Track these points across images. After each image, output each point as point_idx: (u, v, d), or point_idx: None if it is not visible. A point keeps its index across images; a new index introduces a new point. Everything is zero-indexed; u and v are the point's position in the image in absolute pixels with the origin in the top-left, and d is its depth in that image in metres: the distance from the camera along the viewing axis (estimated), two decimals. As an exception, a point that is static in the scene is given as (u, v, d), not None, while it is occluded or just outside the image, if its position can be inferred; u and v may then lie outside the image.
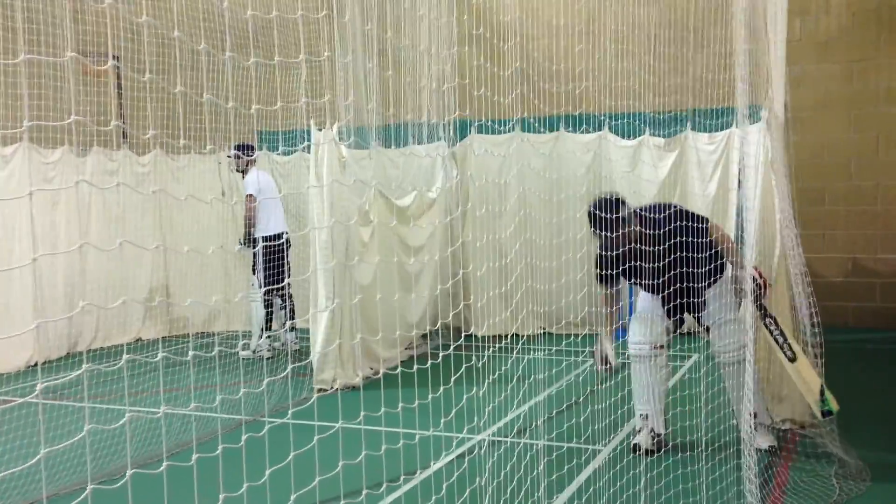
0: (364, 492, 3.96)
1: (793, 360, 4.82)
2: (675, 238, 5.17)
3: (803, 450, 5.33)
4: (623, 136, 9.91)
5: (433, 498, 4.22)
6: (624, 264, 5.24)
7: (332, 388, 7.41)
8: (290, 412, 3.61)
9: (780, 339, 4.83)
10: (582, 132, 10.05)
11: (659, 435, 5.45)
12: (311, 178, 7.62)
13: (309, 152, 8.04)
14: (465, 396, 4.40)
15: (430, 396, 4.16)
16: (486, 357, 4.54)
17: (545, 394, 6.87)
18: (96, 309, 9.63)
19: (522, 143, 9.87)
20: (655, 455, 5.29)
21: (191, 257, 10.29)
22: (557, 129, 10.09)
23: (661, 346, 5.39)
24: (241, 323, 10.01)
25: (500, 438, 5.65)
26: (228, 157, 9.25)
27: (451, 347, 4.15)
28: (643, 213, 5.42)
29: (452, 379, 4.17)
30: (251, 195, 8.78)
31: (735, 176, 8.74)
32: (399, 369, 4.17)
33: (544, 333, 9.63)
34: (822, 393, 4.72)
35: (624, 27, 9.81)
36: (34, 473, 4.93)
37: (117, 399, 7.15)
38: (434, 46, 8.78)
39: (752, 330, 4.78)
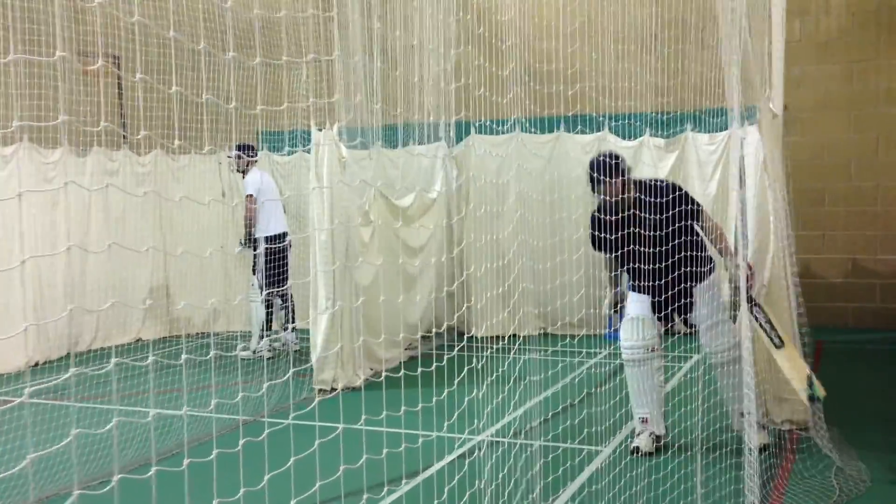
0: (364, 493, 3.96)
1: (780, 346, 4.82)
2: (671, 211, 5.22)
3: (803, 450, 5.33)
4: (623, 137, 9.91)
5: (434, 500, 4.22)
6: (621, 231, 5.27)
7: (332, 388, 7.41)
8: (291, 414, 3.61)
9: (768, 327, 4.85)
10: (577, 132, 10.05)
11: (659, 436, 5.46)
12: (312, 178, 7.62)
13: (309, 153, 8.04)
14: (465, 398, 4.40)
15: (434, 399, 4.16)
16: (485, 358, 4.54)
17: (543, 395, 6.87)
18: (96, 309, 9.62)
19: (522, 144, 9.88)
20: (654, 456, 5.30)
21: (191, 257, 10.29)
22: (557, 130, 10.09)
23: (654, 349, 5.41)
24: (242, 323, 10.00)
25: (499, 439, 5.65)
26: (229, 157, 9.25)
27: (451, 348, 4.15)
28: (643, 183, 5.49)
29: (456, 381, 4.17)
30: (251, 195, 8.78)
31: (735, 176, 8.75)
32: (402, 371, 4.17)
33: (543, 334, 9.63)
34: (809, 379, 4.72)
35: (624, 27, 9.82)
36: (33, 473, 4.94)
37: (117, 400, 7.14)
38: (434, 46, 8.78)
39: (748, 327, 4.80)
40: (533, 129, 10.01)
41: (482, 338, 5.06)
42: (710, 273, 5.42)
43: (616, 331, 5.90)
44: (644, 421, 5.45)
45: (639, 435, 5.49)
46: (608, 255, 5.62)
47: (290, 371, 3.95)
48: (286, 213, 9.30)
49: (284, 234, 8.94)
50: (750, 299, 5.13)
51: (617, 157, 5.39)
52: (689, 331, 5.70)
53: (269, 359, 8.75)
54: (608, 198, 5.37)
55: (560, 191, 9.26)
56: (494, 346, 5.37)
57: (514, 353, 6.93)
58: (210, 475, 2.78)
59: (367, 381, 7.56)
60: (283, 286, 8.95)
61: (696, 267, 5.27)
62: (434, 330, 8.63)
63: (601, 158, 5.39)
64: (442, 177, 9.53)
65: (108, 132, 9.87)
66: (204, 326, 10.71)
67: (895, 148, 10.09)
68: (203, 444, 5.65)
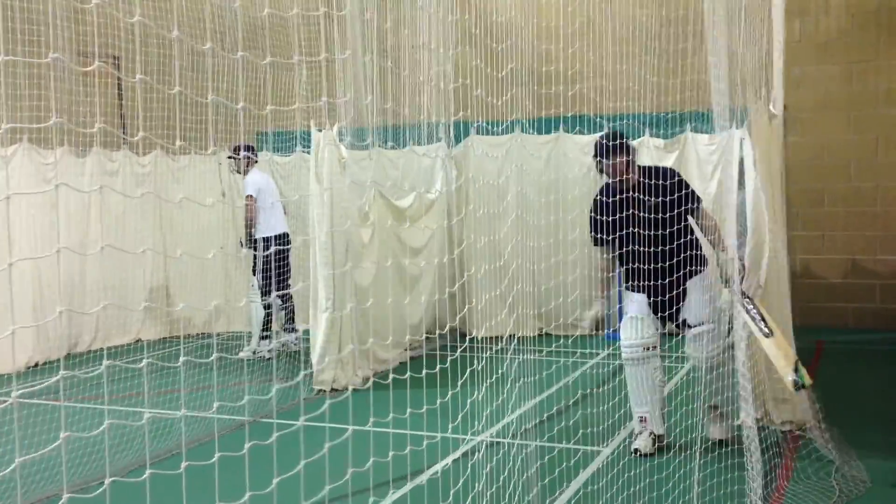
0: (363, 494, 3.96)
1: (768, 336, 4.85)
2: (673, 195, 5.29)
3: (803, 451, 5.33)
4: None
5: (433, 501, 4.22)
6: (622, 212, 5.35)
7: (332, 389, 7.41)
8: (302, 417, 3.61)
9: (757, 318, 4.88)
10: (576, 132, 10.05)
11: (659, 436, 5.48)
12: (311, 178, 7.62)
13: (309, 153, 8.04)
14: (465, 399, 4.40)
15: (434, 400, 4.16)
16: (484, 359, 4.54)
17: (542, 396, 6.87)
18: (93, 311, 9.62)
19: (521, 145, 9.88)
20: (655, 456, 5.31)
21: (191, 257, 10.29)
22: (557, 131, 10.09)
23: (654, 347, 5.44)
24: (242, 324, 10.00)
25: (498, 440, 5.65)
26: (229, 157, 9.25)
27: (452, 349, 4.15)
28: (646, 168, 5.58)
29: (456, 382, 4.17)
30: (251, 196, 8.78)
31: (733, 177, 8.75)
32: (407, 372, 4.17)
33: (542, 335, 9.64)
34: (795, 366, 4.74)
35: (625, 28, 9.82)
36: (28, 476, 4.94)
37: (116, 401, 7.14)
38: (434, 46, 8.78)
39: (742, 327, 4.85)
40: (533, 131, 10.01)
41: (482, 338, 5.05)
42: (702, 268, 5.44)
43: (615, 331, 5.94)
44: (643, 420, 5.47)
45: (639, 435, 5.51)
46: (605, 254, 5.65)
47: (287, 372, 3.95)
48: (286, 214, 9.30)
49: (285, 235, 8.94)
50: (742, 293, 5.17)
51: (622, 137, 5.47)
52: (676, 331, 5.70)
53: (268, 359, 8.75)
54: (611, 177, 5.43)
55: (559, 191, 9.27)
56: (494, 348, 5.37)
57: (511, 354, 6.92)
58: (205, 476, 2.78)
59: (367, 382, 7.55)
60: (284, 287, 8.96)
61: (691, 265, 5.31)
62: (429, 332, 8.63)
63: (607, 139, 5.45)
64: (442, 177, 9.53)
65: (107, 133, 9.87)
66: (204, 327, 10.71)
67: (895, 149, 10.09)
68: (203, 444, 5.65)
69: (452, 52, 8.96)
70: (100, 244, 9.65)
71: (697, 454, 4.62)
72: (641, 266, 5.34)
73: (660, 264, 5.31)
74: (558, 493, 4.72)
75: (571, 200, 8.95)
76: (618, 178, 5.40)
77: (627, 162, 5.41)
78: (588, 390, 7.15)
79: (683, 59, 9.29)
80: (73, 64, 8.90)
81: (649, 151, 9.76)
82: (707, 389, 5.35)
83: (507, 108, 6.71)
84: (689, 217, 5.42)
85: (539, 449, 5.13)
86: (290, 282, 9.12)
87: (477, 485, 4.29)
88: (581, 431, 5.51)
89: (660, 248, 5.30)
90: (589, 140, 9.99)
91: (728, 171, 6.24)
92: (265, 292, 8.84)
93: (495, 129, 9.99)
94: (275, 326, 9.18)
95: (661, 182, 5.33)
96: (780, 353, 4.78)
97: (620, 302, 5.83)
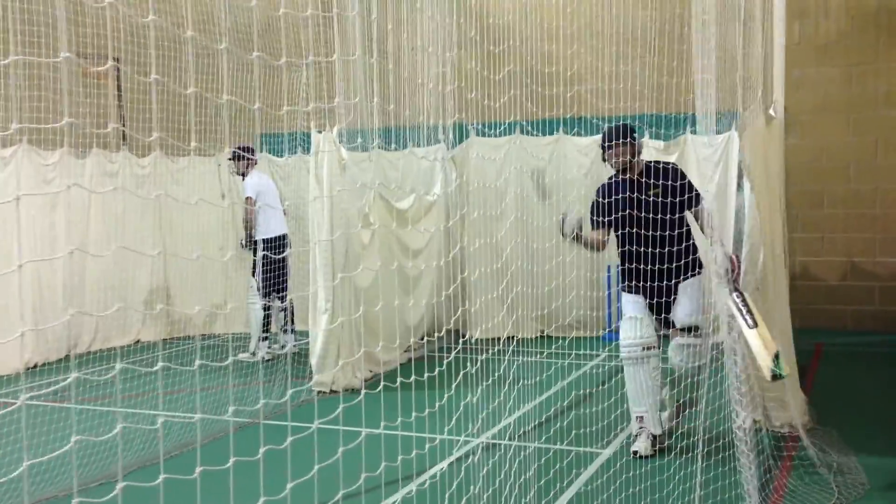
0: (362, 495, 3.96)
1: (752, 327, 4.90)
2: (677, 182, 5.41)
3: (802, 453, 5.33)
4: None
5: (432, 502, 4.23)
6: (622, 210, 5.47)
7: (330, 390, 7.41)
8: (316, 421, 3.61)
9: (744, 310, 4.92)
10: (574, 133, 10.06)
11: (657, 436, 5.50)
12: (311, 180, 7.62)
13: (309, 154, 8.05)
14: (464, 401, 4.40)
15: (436, 403, 4.16)
16: (483, 361, 4.54)
17: (542, 397, 6.87)
18: (95, 311, 9.62)
19: (521, 146, 9.89)
20: (657, 458, 5.33)
21: (190, 258, 10.30)
22: (557, 132, 10.10)
23: (652, 346, 5.48)
24: (242, 325, 10.00)
25: (497, 441, 5.65)
26: (229, 159, 9.26)
27: (451, 351, 4.15)
28: (650, 163, 5.70)
29: (454, 384, 4.17)
30: (250, 198, 8.78)
31: (734, 179, 8.76)
32: (411, 372, 4.17)
33: (542, 336, 9.64)
34: (776, 357, 4.78)
35: (625, 30, 9.82)
36: (24, 478, 4.93)
37: (114, 402, 7.13)
38: (434, 49, 8.79)
39: (731, 335, 4.92)
40: (533, 132, 10.01)
41: (481, 340, 5.06)
42: (697, 271, 5.49)
43: (611, 331, 5.99)
44: (640, 419, 5.49)
45: (637, 437, 5.53)
46: (602, 236, 5.70)
47: (289, 373, 3.95)
48: (286, 215, 9.30)
49: (284, 236, 8.94)
50: (734, 287, 5.22)
51: (627, 123, 5.67)
52: (663, 332, 5.74)
53: (267, 361, 8.75)
54: (616, 161, 5.55)
55: (558, 192, 9.28)
56: (493, 349, 5.38)
57: (510, 356, 6.93)
58: (203, 478, 2.78)
59: (366, 383, 7.56)
60: (283, 288, 8.96)
61: (688, 268, 5.36)
62: (428, 334, 8.63)
63: (615, 128, 5.61)
64: (441, 179, 9.54)
65: (107, 134, 9.87)
66: (204, 328, 10.70)
67: (894, 151, 10.10)
68: (202, 445, 5.65)
69: (451, 55, 8.96)
70: (100, 245, 9.65)
71: (700, 457, 4.62)
72: (641, 266, 5.39)
73: (658, 266, 5.36)
74: (558, 494, 4.72)
75: (572, 202, 8.97)
76: (621, 161, 5.52)
77: (631, 144, 5.54)
78: (588, 390, 7.15)
79: (682, 60, 9.29)
80: (85, 64, 8.88)
81: (649, 152, 9.76)
82: (676, 388, 5.62)
83: (506, 110, 6.73)
84: (688, 214, 5.49)
85: (538, 450, 5.14)
86: (289, 283, 9.12)
87: (472, 487, 4.30)
88: (581, 431, 5.51)
89: (660, 249, 5.34)
90: (589, 142, 10.01)
91: (727, 173, 6.27)
92: (264, 294, 8.85)
93: (494, 130, 10.00)
94: (274, 328, 9.18)
95: (669, 182, 5.42)
96: (762, 345, 4.84)
97: (619, 301, 5.86)
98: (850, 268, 10.30)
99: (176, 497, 2.85)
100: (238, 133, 9.46)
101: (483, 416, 4.60)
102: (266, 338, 8.97)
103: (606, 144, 5.58)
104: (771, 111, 6.13)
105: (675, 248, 5.34)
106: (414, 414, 4.10)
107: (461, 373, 4.33)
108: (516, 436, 5.86)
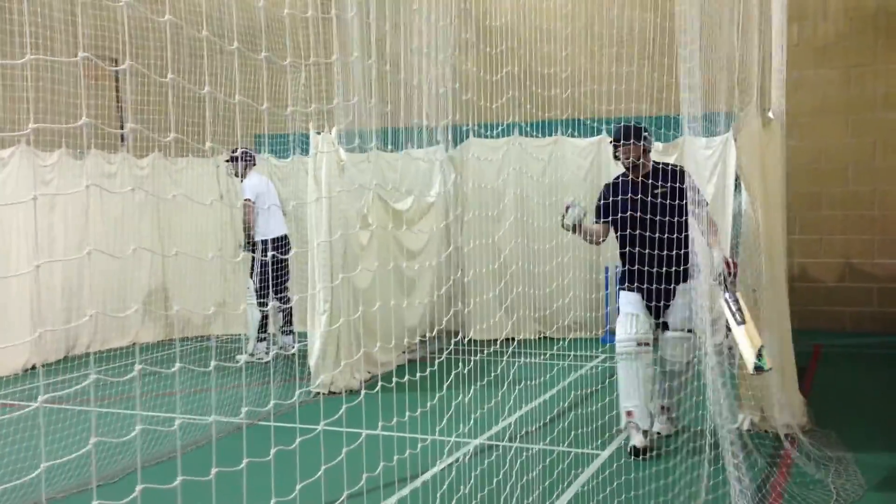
0: (361, 497, 3.96)
1: (740, 323, 4.97)
2: (682, 184, 5.44)
3: (801, 454, 5.34)
4: (621, 141, 9.91)
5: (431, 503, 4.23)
6: (626, 211, 5.55)
7: (329, 392, 7.41)
8: (321, 422, 3.61)
9: (734, 307, 4.98)
10: (569, 134, 10.06)
11: (645, 431, 5.56)
12: (310, 181, 7.62)
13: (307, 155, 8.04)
14: (463, 402, 4.40)
15: (430, 403, 4.16)
16: (482, 362, 4.55)
17: (542, 398, 6.87)
18: (94, 312, 9.61)
19: (520, 148, 9.90)
20: (648, 454, 5.40)
21: (189, 259, 10.29)
22: (556, 134, 10.10)
23: (647, 343, 5.55)
24: (240, 326, 10.01)
25: (496, 443, 5.65)
26: (227, 161, 9.25)
27: (448, 352, 4.16)
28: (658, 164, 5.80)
29: (448, 384, 4.17)
30: (249, 200, 8.77)
31: (731, 181, 8.78)
32: (409, 373, 4.18)
33: (541, 338, 9.64)
34: (759, 352, 4.85)
35: (623, 31, 9.83)
36: (22, 478, 4.93)
37: (112, 403, 7.13)
38: (433, 50, 8.79)
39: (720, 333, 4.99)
40: (533, 133, 10.01)
41: (480, 341, 5.07)
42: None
43: (611, 331, 6.02)
44: (629, 414, 5.55)
45: (626, 429, 5.62)
46: (603, 221, 5.79)
47: (285, 375, 3.95)
48: (285, 216, 9.30)
49: (285, 237, 8.94)
50: (727, 287, 5.27)
51: (639, 124, 5.72)
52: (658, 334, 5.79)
53: (266, 362, 8.75)
54: (625, 161, 5.65)
55: (558, 194, 9.28)
56: (491, 349, 5.38)
57: (509, 357, 6.94)
58: (199, 481, 2.78)
59: (365, 384, 7.55)
60: (282, 289, 8.96)
61: (683, 266, 5.38)
62: (430, 334, 8.63)
63: (626, 126, 5.72)
64: (440, 180, 9.54)
65: (105, 135, 9.86)
66: (203, 329, 10.71)
67: (892, 152, 10.11)
68: (200, 448, 5.65)
69: (450, 56, 8.97)
70: (99, 246, 9.64)
71: (707, 462, 4.61)
72: (642, 269, 5.41)
73: (658, 269, 5.37)
74: (560, 494, 4.73)
75: (577, 196, 8.97)
76: (630, 160, 5.62)
77: (642, 147, 5.63)
78: (587, 390, 7.16)
79: (682, 62, 9.28)
80: (103, 64, 8.88)
81: (647, 154, 9.77)
82: (662, 388, 5.67)
83: (505, 111, 6.73)
84: (691, 217, 5.50)
85: (538, 452, 5.14)
86: (288, 284, 9.12)
87: (469, 487, 4.30)
88: (580, 431, 5.52)
89: (661, 252, 5.35)
90: (587, 143, 10.02)
91: (725, 175, 6.26)
92: (263, 295, 8.85)
93: (493, 131, 10.00)
94: (273, 329, 9.17)
95: (677, 185, 5.46)
96: (748, 340, 4.91)
97: (617, 301, 5.91)
98: (848, 269, 10.31)
99: (171, 500, 2.84)
100: (236, 134, 9.45)
101: (477, 416, 4.60)
102: (264, 338, 8.97)
103: (616, 143, 5.69)
104: (770, 114, 6.14)
105: (676, 252, 5.34)
106: (414, 413, 4.10)
107: (461, 374, 4.34)
108: (518, 436, 5.87)
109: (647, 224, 5.46)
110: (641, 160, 5.65)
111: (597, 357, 8.58)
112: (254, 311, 8.96)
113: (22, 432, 5.76)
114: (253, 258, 8.86)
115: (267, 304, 8.81)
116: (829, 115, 10.25)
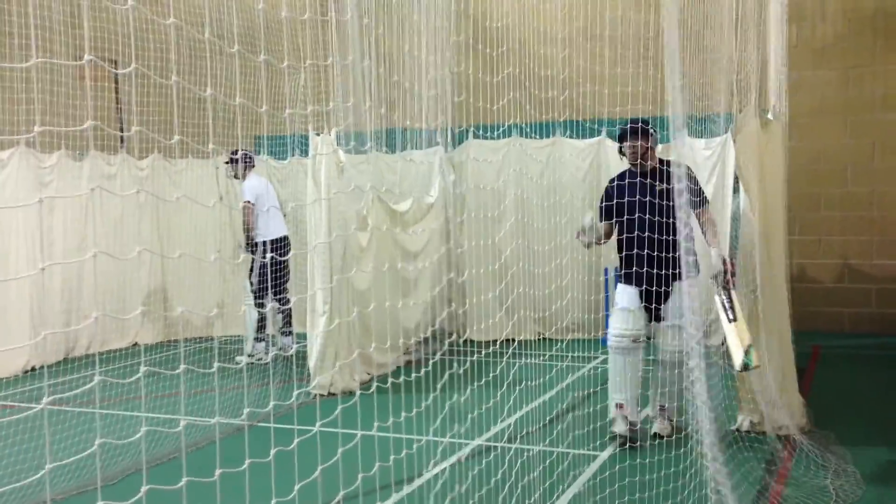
0: (361, 498, 3.96)
1: (731, 321, 5.02)
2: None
3: (799, 456, 5.35)
4: (620, 142, 9.92)
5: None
6: (630, 196, 5.65)
7: (328, 393, 7.41)
8: (318, 422, 3.62)
9: (727, 305, 5.04)
10: (568, 135, 10.07)
11: (633, 423, 5.66)
12: (309, 183, 7.63)
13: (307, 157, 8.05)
14: (462, 403, 4.40)
15: (434, 404, 4.17)
16: (481, 362, 4.55)
17: (541, 399, 6.88)
18: (93, 313, 9.60)
19: (519, 149, 9.91)
20: (632, 444, 5.53)
21: (188, 260, 10.30)
22: (554, 135, 10.11)
23: (640, 339, 5.66)
24: (240, 327, 10.01)
25: (494, 444, 5.66)
26: (226, 163, 9.26)
27: (449, 353, 4.16)
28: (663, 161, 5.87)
29: (447, 385, 4.18)
30: (249, 202, 8.78)
31: (730, 181, 8.79)
32: (408, 375, 4.18)
33: (541, 339, 9.64)
34: (747, 350, 4.90)
35: (621, 33, 9.84)
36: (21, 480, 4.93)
37: (113, 405, 7.13)
38: (432, 52, 8.80)
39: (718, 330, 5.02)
40: (532, 134, 10.01)
41: (479, 342, 5.07)
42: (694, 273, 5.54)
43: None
44: (619, 406, 5.67)
45: (614, 420, 5.70)
46: (609, 222, 5.89)
47: (284, 376, 3.96)
48: (285, 217, 9.31)
49: (285, 238, 8.95)
50: (724, 288, 5.30)
51: (647, 124, 5.83)
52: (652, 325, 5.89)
53: (265, 363, 8.75)
54: (631, 160, 5.81)
55: (556, 195, 9.29)
56: (490, 350, 5.38)
57: (509, 358, 6.95)
58: (201, 481, 2.79)
59: (364, 385, 7.56)
60: (282, 290, 8.96)
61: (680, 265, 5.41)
62: (429, 335, 8.64)
63: (633, 122, 5.87)
64: (439, 181, 9.55)
65: (105, 136, 9.87)
66: (202, 330, 10.71)
67: (891, 153, 10.12)
68: (200, 449, 5.66)
69: (448, 57, 8.97)
70: (98, 247, 9.64)
71: (711, 465, 4.62)
72: (641, 252, 5.51)
73: (658, 252, 5.41)
74: (559, 496, 4.73)
75: (568, 204, 8.99)
76: (637, 161, 5.76)
77: (648, 148, 5.77)
78: (586, 391, 7.16)
79: (681, 62, 9.29)
80: (104, 65, 8.88)
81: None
82: (660, 389, 5.70)
83: (504, 113, 6.74)
84: (692, 216, 5.57)
85: (540, 453, 5.14)
86: (288, 285, 9.13)
87: (464, 487, 4.30)
88: (580, 435, 5.53)
89: (661, 237, 5.39)
90: (587, 145, 10.03)
91: (724, 176, 6.28)
92: (261, 295, 8.86)
93: (492, 133, 10.00)
94: (272, 330, 9.18)
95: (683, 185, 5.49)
96: (737, 338, 4.96)
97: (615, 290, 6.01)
98: (847, 270, 10.32)
99: (171, 501, 2.85)
100: (236, 135, 9.45)
101: (473, 416, 4.61)
102: (262, 339, 8.98)
103: (624, 141, 5.83)
104: (769, 115, 6.15)
105: (675, 248, 5.37)
106: (410, 414, 4.10)
107: (460, 375, 4.34)
108: (518, 437, 5.87)
109: (649, 209, 5.52)
110: (645, 161, 5.76)
111: (596, 358, 8.58)
112: (251, 312, 8.97)
113: (22, 434, 5.76)
114: (252, 259, 8.87)
115: (265, 305, 8.81)
116: (828, 117, 10.26)
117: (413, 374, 4.23)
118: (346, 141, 7.72)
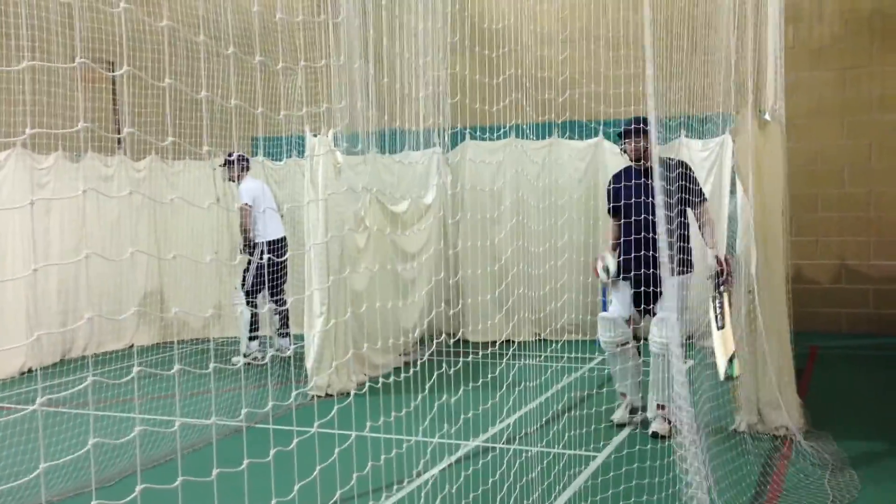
0: (360, 498, 3.96)
1: (720, 328, 5.10)
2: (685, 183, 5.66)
3: (796, 456, 5.35)
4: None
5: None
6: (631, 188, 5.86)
7: (326, 394, 7.40)
8: (315, 423, 3.61)
9: (718, 311, 5.11)
10: (566, 137, 10.07)
11: (637, 409, 6.12)
12: (307, 184, 7.62)
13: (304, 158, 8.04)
14: (460, 404, 4.40)
15: (433, 405, 4.16)
16: (478, 363, 4.55)
17: (539, 400, 6.87)
18: (91, 315, 9.59)
19: (517, 150, 9.90)
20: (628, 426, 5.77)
21: (185, 262, 10.29)
22: (552, 136, 10.10)
23: (626, 343, 5.97)
24: (236, 329, 10.01)
25: (492, 445, 5.66)
26: (221, 166, 9.25)
27: (446, 354, 4.16)
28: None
29: (446, 386, 4.17)
30: (247, 204, 8.77)
31: (727, 182, 8.79)
32: (404, 376, 4.18)
33: (538, 340, 9.64)
34: (731, 358, 4.97)
35: (619, 34, 9.84)
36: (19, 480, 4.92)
37: (109, 406, 7.12)
38: (429, 53, 8.79)
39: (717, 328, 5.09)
40: (530, 135, 10.01)
41: (477, 343, 5.07)
42: (686, 271, 5.58)
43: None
44: (623, 395, 6.15)
45: (618, 407, 6.20)
46: (616, 222, 6.11)
47: (282, 377, 3.95)
48: (282, 218, 9.31)
49: (283, 239, 8.95)
50: (718, 290, 5.32)
51: (647, 124, 5.89)
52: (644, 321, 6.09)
53: (261, 364, 8.74)
54: (632, 159, 6.00)
55: (553, 196, 9.29)
56: (488, 351, 5.39)
57: (508, 359, 6.95)
58: (199, 482, 2.78)
59: (362, 386, 7.56)
60: (280, 291, 8.96)
61: (680, 264, 5.44)
62: (427, 335, 8.63)
63: (635, 122, 6.03)
64: (437, 182, 9.54)
65: (102, 138, 9.86)
66: (199, 332, 10.69)
67: (888, 154, 10.13)
68: (197, 450, 5.65)
69: (446, 58, 8.97)
70: (95, 248, 9.63)
71: (710, 466, 4.61)
72: (638, 253, 5.69)
73: (653, 253, 5.46)
74: (557, 496, 4.73)
75: (565, 205, 8.98)
76: (637, 151, 5.95)
77: (646, 147, 5.88)
78: (584, 392, 7.16)
79: (679, 64, 9.31)
80: (99, 68, 8.86)
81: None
82: (656, 388, 5.84)
83: (502, 114, 6.75)
84: (690, 213, 5.67)
85: (538, 453, 5.14)
86: (286, 286, 9.12)
87: (458, 487, 4.30)
88: (579, 435, 5.52)
89: (654, 252, 5.40)
90: (585, 146, 10.03)
91: (721, 177, 6.28)
92: (253, 294, 8.87)
93: (490, 134, 10.00)
94: (269, 331, 9.17)
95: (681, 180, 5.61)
96: (723, 346, 5.03)
97: (605, 296, 6.15)
98: (844, 271, 10.33)
99: (169, 502, 2.84)
100: (232, 137, 9.44)
101: (468, 416, 4.60)
102: (255, 337, 8.98)
103: (624, 140, 6.03)
104: (766, 116, 6.15)
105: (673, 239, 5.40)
106: (403, 414, 4.10)
107: (459, 376, 4.34)
108: (516, 437, 5.87)
109: (649, 206, 5.54)
110: (646, 162, 5.84)
111: (593, 359, 8.58)
112: (245, 312, 8.96)
113: (18, 436, 5.74)
114: (249, 259, 8.86)
115: (256, 304, 8.83)
116: (825, 117, 10.26)
117: (412, 373, 4.23)
118: (344, 142, 7.72)
